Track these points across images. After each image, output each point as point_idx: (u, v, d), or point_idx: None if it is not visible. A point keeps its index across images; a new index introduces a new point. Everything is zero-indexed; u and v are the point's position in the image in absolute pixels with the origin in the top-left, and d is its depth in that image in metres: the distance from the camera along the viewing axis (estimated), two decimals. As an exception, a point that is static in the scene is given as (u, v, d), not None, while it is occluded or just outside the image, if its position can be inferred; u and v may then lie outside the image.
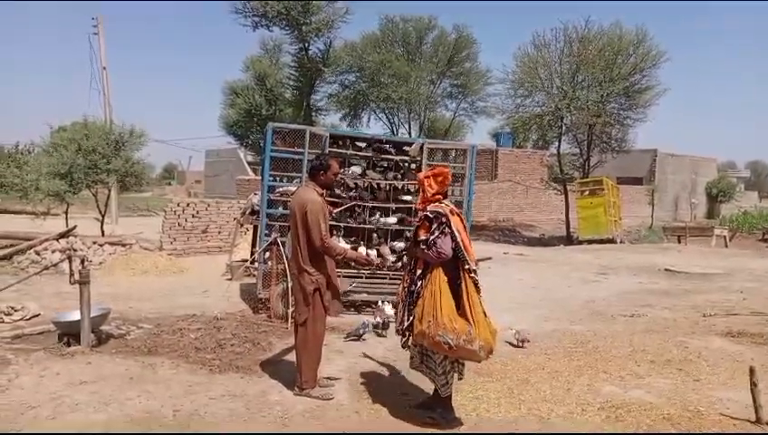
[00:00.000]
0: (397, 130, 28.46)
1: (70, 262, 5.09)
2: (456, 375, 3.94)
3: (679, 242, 19.89)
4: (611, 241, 18.32)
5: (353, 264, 6.15)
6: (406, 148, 7.61)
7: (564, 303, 8.56)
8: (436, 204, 3.87)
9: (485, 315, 3.71)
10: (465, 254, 3.70)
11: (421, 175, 4.05)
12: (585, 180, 19.37)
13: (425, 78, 28.63)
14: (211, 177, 38.89)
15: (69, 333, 5.33)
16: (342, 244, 7.23)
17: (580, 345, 6.17)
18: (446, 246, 3.65)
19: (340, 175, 7.26)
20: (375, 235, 7.56)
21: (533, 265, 12.87)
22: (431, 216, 3.77)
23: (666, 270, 12.08)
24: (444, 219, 3.72)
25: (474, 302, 3.64)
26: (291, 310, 6.17)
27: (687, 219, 34.71)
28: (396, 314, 4.09)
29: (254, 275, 8.63)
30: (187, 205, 11.80)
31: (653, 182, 33.11)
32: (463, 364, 3.96)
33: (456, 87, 30.05)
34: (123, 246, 10.86)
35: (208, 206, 12.08)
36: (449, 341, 3.53)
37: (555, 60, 18.75)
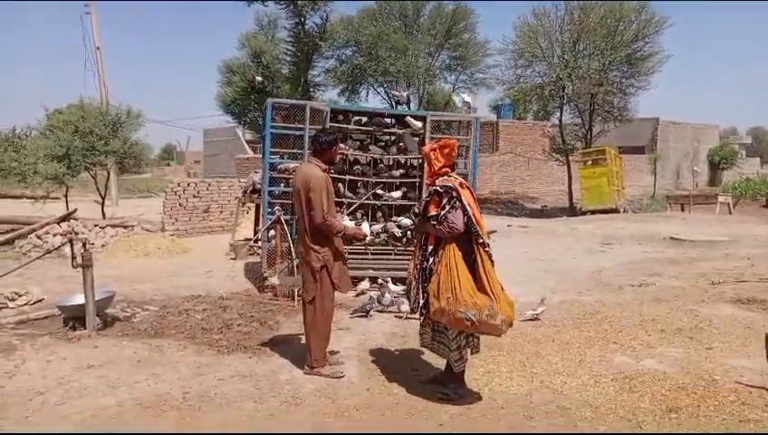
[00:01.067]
0: (396, 105, 28.16)
1: (71, 245, 5.02)
2: (469, 350, 3.89)
3: (683, 210, 19.82)
4: (615, 211, 18.24)
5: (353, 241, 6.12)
6: (408, 120, 7.46)
7: (571, 274, 8.51)
8: (445, 177, 3.77)
9: (502, 288, 3.64)
10: (478, 228, 3.61)
11: (426, 148, 3.93)
12: (587, 150, 19.21)
13: (423, 51, 28.21)
14: (210, 156, 38.65)
15: (74, 317, 5.28)
16: (346, 221, 7.15)
17: (589, 316, 6.12)
18: (457, 220, 3.56)
19: (341, 150, 7.16)
20: (379, 211, 7.47)
21: (537, 237, 12.80)
22: (441, 190, 3.67)
23: (671, 238, 12.02)
24: (454, 193, 3.62)
25: (491, 275, 3.57)
26: (297, 288, 6.14)
27: (690, 187, 34.55)
28: (408, 292, 4.00)
29: (257, 254, 8.58)
30: (188, 185, 11.69)
31: (655, 151, 32.85)
32: (478, 338, 3.90)
33: (455, 59, 29.60)
34: (125, 228, 10.79)
35: (209, 185, 11.98)
36: (471, 317, 3.46)
37: (556, 29, 18.44)
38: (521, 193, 26.50)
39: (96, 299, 5.28)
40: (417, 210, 3.87)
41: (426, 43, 28.13)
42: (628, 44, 17.81)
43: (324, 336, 4.34)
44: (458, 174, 4.02)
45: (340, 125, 7.31)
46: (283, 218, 6.79)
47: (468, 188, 3.78)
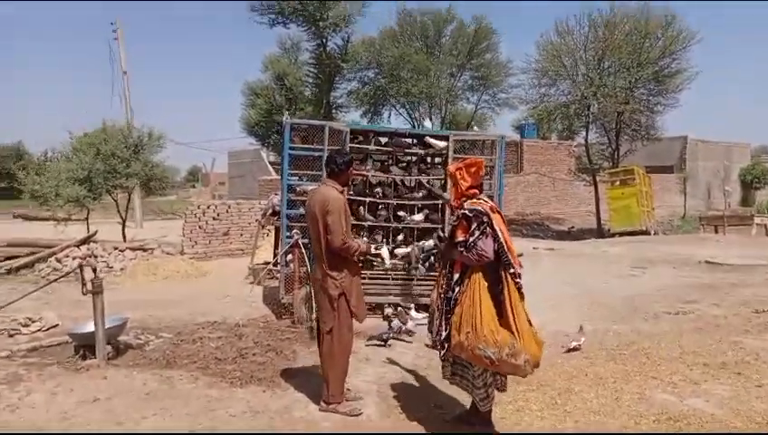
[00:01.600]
0: (418, 125, 28.04)
1: (81, 271, 4.86)
2: (495, 389, 3.58)
3: (716, 232, 19.10)
4: (645, 233, 17.66)
5: (374, 261, 5.92)
6: (429, 140, 7.23)
7: (602, 300, 8.10)
8: (474, 200, 3.50)
9: (530, 324, 3.33)
10: (509, 256, 3.33)
11: (451, 168, 3.68)
12: (615, 170, 18.72)
13: (445, 71, 28.11)
14: (234, 178, 38.98)
15: (85, 345, 5.10)
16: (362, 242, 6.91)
17: (625, 347, 5.75)
18: (488, 247, 3.29)
19: (360, 172, 6.96)
20: (401, 234, 7.22)
21: (566, 260, 12.38)
22: (470, 214, 3.41)
23: (706, 262, 11.47)
24: (485, 218, 3.36)
25: (518, 310, 3.27)
26: (314, 316, 5.90)
27: (721, 208, 33.55)
28: (431, 323, 3.71)
29: (277, 278, 8.38)
30: (208, 207, 11.60)
31: (684, 170, 32.06)
32: (504, 376, 3.59)
33: (477, 79, 29.41)
34: (145, 250, 10.71)
35: (229, 207, 11.87)
36: (490, 355, 3.18)
37: (580, 46, 18.13)
38: (546, 214, 25.99)
39: (108, 326, 5.11)
40: (441, 234, 3.60)
41: (448, 63, 28.03)
42: (655, 61, 17.41)
43: (343, 369, 4.08)
44: (486, 196, 3.74)
45: (361, 146, 7.13)
46: (301, 242, 6.58)
47: (499, 212, 3.50)
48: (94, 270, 4.91)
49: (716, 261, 11.40)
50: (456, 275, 3.44)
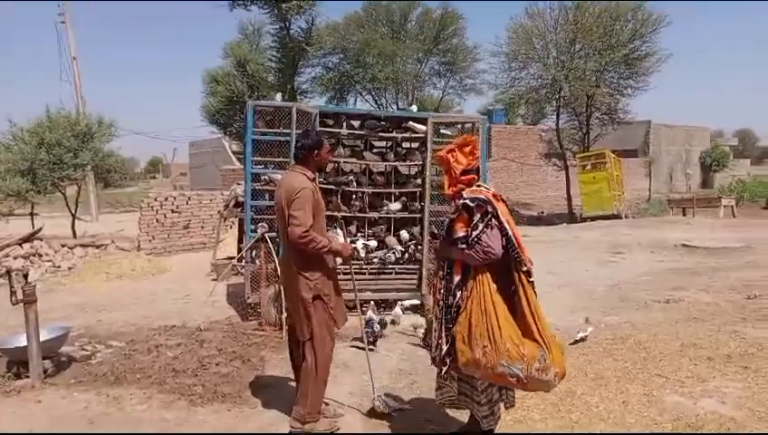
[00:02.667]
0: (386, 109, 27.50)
1: (9, 278, 4.15)
2: (503, 404, 3.09)
3: (684, 214, 19.22)
4: (616, 217, 17.58)
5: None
6: (411, 124, 6.69)
7: (587, 288, 7.76)
8: (474, 188, 2.97)
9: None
10: (520, 251, 2.82)
11: (442, 152, 3.12)
12: (586, 154, 18.54)
13: (411, 56, 27.74)
14: (196, 168, 37.66)
15: (20, 361, 4.41)
16: (340, 237, 6.37)
17: (620, 341, 5.37)
18: (494, 242, 2.77)
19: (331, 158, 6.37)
20: (381, 226, 6.68)
21: (541, 247, 12.05)
22: (471, 204, 2.87)
23: (682, 245, 11.33)
24: (489, 208, 2.83)
25: (538, 314, 2.78)
26: (284, 315, 5.34)
27: (683, 190, 34.18)
28: (427, 335, 3.16)
29: (242, 274, 7.74)
30: (165, 199, 10.77)
31: (647, 154, 32.41)
32: (513, 390, 3.10)
33: (444, 64, 29.23)
34: (97, 247, 9.90)
35: (189, 199, 11.07)
36: (517, 372, 2.67)
37: (551, 29, 17.80)
38: (515, 200, 25.81)
39: (45, 339, 4.44)
40: (434, 230, 3.05)
41: (414, 48, 27.64)
42: (626, 44, 17.21)
43: (323, 382, 3.50)
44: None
45: (331, 130, 6.54)
46: (268, 236, 5.97)
47: (503, 200, 2.99)
48: (25, 276, 4.21)
49: (692, 244, 11.27)
50: (457, 278, 2.90)
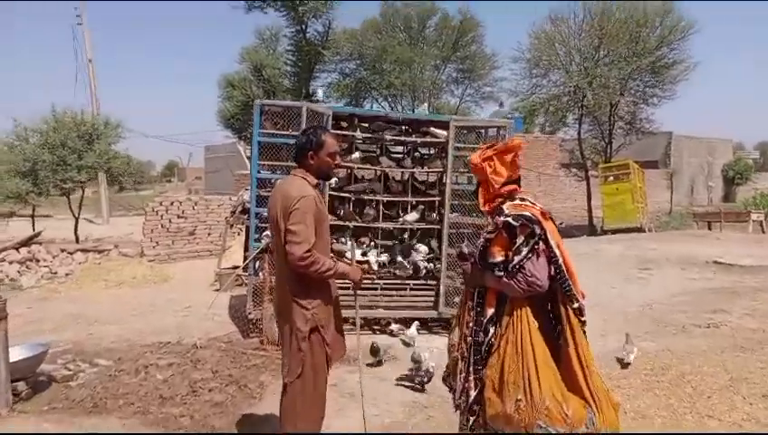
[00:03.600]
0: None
1: (-24, 290, 3.71)
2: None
3: (710, 228, 18.43)
4: (639, 230, 16.87)
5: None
6: (433, 130, 6.20)
7: (617, 309, 7.17)
8: (517, 202, 2.43)
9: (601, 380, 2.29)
10: (571, 283, 2.30)
11: (476, 157, 2.55)
12: (609, 165, 17.86)
13: (429, 63, 27.38)
14: (211, 173, 37.54)
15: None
16: (349, 250, 5.88)
17: (661, 372, 4.80)
18: (540, 271, 2.25)
19: (343, 164, 5.89)
20: (398, 239, 6.18)
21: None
22: (515, 223, 2.33)
23: (714, 262, 10.66)
24: (537, 229, 2.30)
25: (589, 363, 2.23)
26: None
27: (704, 203, 33.28)
28: (450, 376, 2.60)
29: (246, 285, 7.28)
30: (171, 203, 10.34)
31: (668, 165, 31.59)
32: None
33: (462, 72, 28.83)
34: (99, 252, 9.49)
35: (196, 204, 10.64)
36: None
37: (574, 35, 17.21)
38: (533, 210, 25.14)
39: (22, 358, 4.00)
40: (465, 250, 2.52)
41: (432, 55, 27.29)
42: (652, 51, 16.56)
43: (314, 426, 2.91)
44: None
45: (346, 133, 6.07)
46: (272, 246, 5.48)
47: (551, 219, 2.45)
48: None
49: (726, 261, 10.58)
50: (491, 311, 2.37)
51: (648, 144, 29.95)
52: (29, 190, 9.33)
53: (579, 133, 18.87)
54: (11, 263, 8.12)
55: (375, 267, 5.72)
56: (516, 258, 2.26)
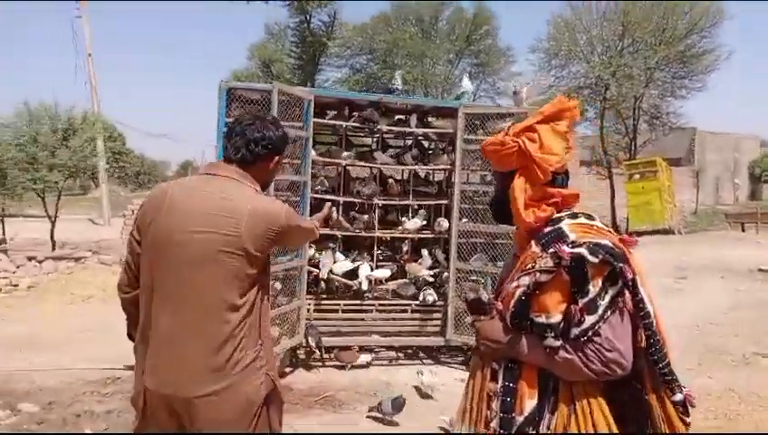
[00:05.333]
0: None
1: None
2: None
3: (743, 230, 17.16)
4: (668, 232, 15.68)
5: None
6: (431, 119, 5.20)
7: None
8: (582, 220, 1.43)
9: None
10: (663, 356, 1.35)
11: (500, 135, 1.51)
12: (634, 162, 16.68)
13: (441, 57, 26.40)
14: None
15: None
16: (341, 259, 4.94)
17: (725, 418, 3.82)
18: (624, 340, 1.31)
19: (332, 161, 4.94)
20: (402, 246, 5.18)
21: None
22: (594, 259, 1.30)
23: (760, 270, 9.52)
24: (627, 271, 1.30)
25: None
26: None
27: (729, 202, 31.83)
28: None
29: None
30: (153, 206, 9.35)
31: (692, 163, 30.20)
32: None
33: (476, 66, 27.80)
34: (76, 260, 8.60)
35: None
36: None
37: (596, 23, 16.06)
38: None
39: None
40: (482, 296, 1.48)
41: (444, 49, 26.31)
42: (681, 39, 15.34)
43: None
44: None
45: (336, 122, 5.09)
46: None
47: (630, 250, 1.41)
48: None
49: (774, 269, 9.46)
50: (530, 404, 1.34)
51: (670, 140, 28.56)
52: (-6, 192, 8.46)
53: (601, 128, 17.70)
54: (-33, 274, 7.28)
55: (365, 286, 4.70)
56: (589, 319, 1.28)
